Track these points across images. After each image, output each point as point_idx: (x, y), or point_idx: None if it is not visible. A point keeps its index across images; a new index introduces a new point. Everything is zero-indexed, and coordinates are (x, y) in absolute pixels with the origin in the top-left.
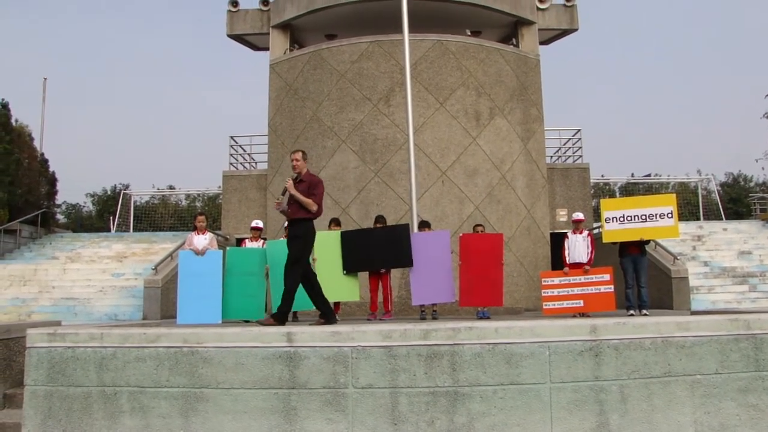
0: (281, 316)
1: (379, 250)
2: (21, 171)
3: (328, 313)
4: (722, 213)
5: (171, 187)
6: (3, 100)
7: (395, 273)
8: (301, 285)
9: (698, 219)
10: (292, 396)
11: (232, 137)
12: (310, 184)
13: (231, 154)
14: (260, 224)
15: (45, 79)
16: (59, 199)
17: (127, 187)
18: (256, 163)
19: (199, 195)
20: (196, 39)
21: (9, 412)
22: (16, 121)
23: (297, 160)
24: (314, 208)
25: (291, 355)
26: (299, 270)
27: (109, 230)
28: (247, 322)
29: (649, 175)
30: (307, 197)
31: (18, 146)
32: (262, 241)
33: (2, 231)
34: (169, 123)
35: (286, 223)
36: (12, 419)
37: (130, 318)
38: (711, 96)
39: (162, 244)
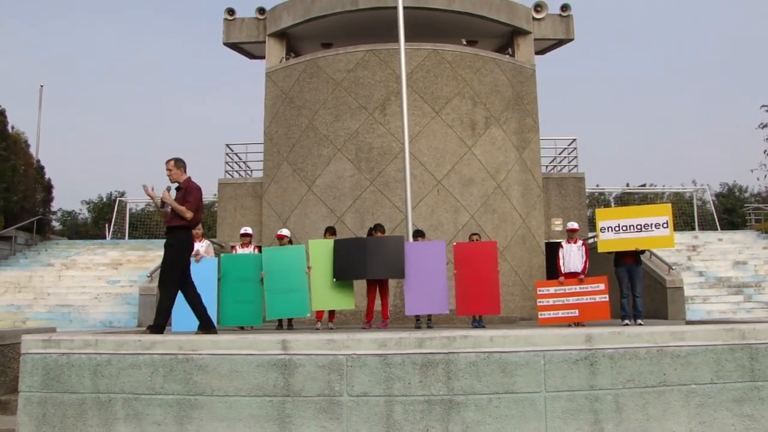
0: (157, 329)
1: (371, 260)
2: (17, 178)
3: (208, 325)
4: (717, 223)
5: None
6: None
7: (391, 282)
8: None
9: (693, 229)
10: (287, 404)
11: (227, 145)
12: (185, 191)
13: (227, 162)
14: (249, 231)
15: (41, 86)
16: (55, 206)
17: (122, 194)
18: (251, 171)
19: None
20: (192, 47)
21: (3, 418)
22: (12, 127)
23: (170, 169)
24: (188, 215)
25: (286, 362)
26: (175, 279)
27: (104, 237)
28: (242, 328)
29: (644, 185)
30: (182, 204)
31: (14, 153)
32: (252, 246)
33: None
34: (165, 130)
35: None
36: (7, 426)
37: (125, 325)
38: (706, 106)
39: (157, 251)
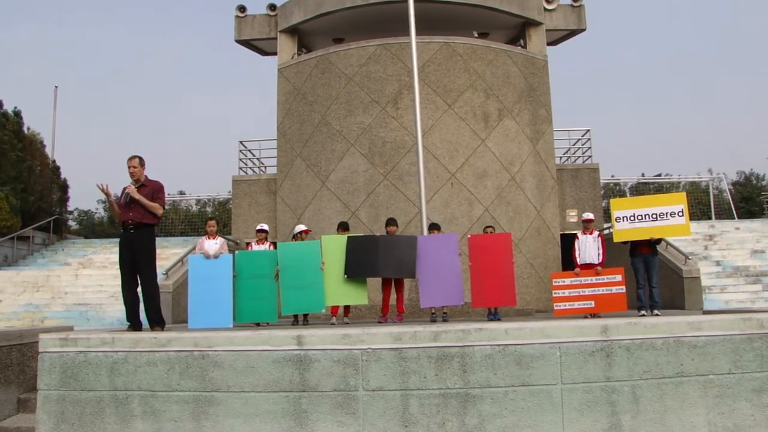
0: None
1: (383, 259)
2: (33, 178)
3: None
4: (734, 212)
5: (181, 193)
6: (15, 108)
7: None
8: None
9: (710, 218)
10: (303, 399)
11: (241, 142)
12: (153, 189)
13: (240, 159)
14: (265, 227)
15: (56, 87)
16: (71, 205)
17: None
18: (265, 167)
19: (209, 200)
20: (205, 45)
21: (23, 416)
22: (28, 128)
23: (134, 167)
24: (161, 212)
25: (301, 358)
26: (155, 275)
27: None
28: (258, 325)
29: (659, 175)
30: (152, 201)
31: (30, 153)
32: (268, 243)
33: (15, 238)
34: (180, 128)
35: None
36: (27, 423)
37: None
38: (723, 94)
39: (173, 249)
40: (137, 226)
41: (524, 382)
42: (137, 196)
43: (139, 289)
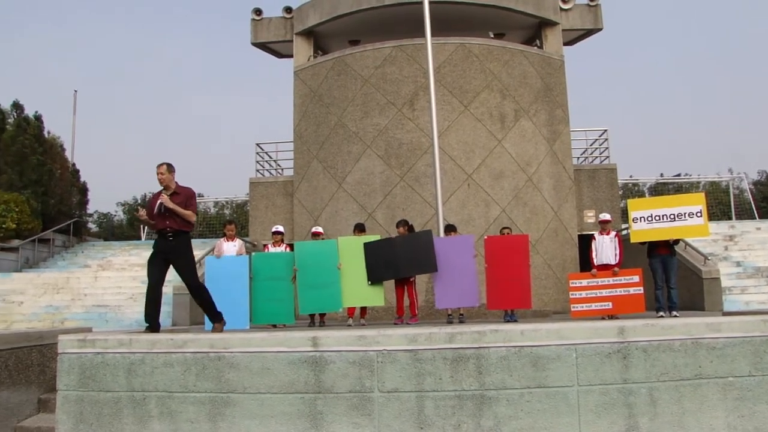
0: (218, 319)
1: (403, 258)
2: (53, 181)
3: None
4: (755, 212)
5: (199, 195)
6: (36, 112)
7: (422, 277)
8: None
9: (730, 218)
10: (318, 400)
11: (258, 144)
12: (185, 197)
13: (257, 161)
14: (281, 229)
15: (75, 91)
16: (91, 208)
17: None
18: (282, 169)
19: (227, 202)
20: (223, 48)
21: (44, 416)
22: (48, 132)
23: (162, 173)
24: (194, 219)
25: (317, 359)
26: (198, 279)
27: (139, 238)
28: (275, 326)
29: (679, 175)
30: (186, 209)
31: (50, 157)
32: (284, 245)
33: (36, 240)
34: (197, 131)
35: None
36: (47, 423)
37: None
38: (743, 92)
39: None
40: (176, 233)
41: (540, 384)
42: (171, 205)
43: (165, 289)
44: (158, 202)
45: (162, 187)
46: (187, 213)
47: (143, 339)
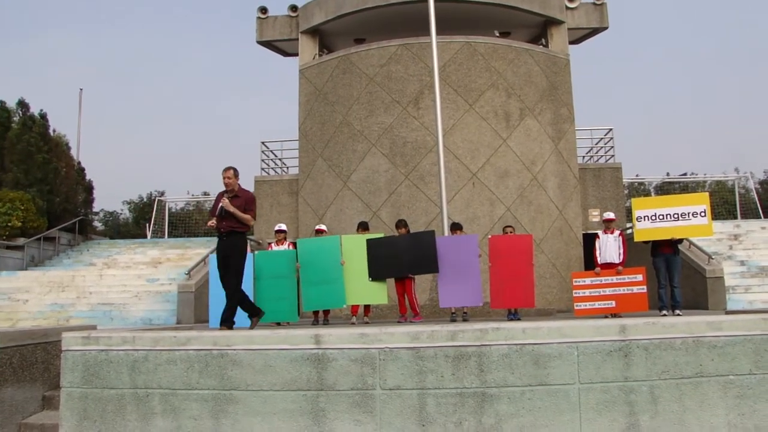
0: (227, 323)
1: (405, 257)
2: (59, 180)
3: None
4: (761, 211)
5: (205, 194)
6: (41, 111)
7: (425, 276)
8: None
9: (735, 218)
10: (321, 398)
11: (263, 143)
12: (246, 201)
13: (262, 160)
14: (284, 227)
15: (81, 89)
16: (96, 206)
17: (162, 194)
18: (287, 167)
19: None
20: (228, 46)
21: (48, 413)
22: (54, 131)
23: (229, 178)
24: (252, 222)
25: (319, 357)
26: (240, 282)
27: (144, 237)
28: (278, 324)
29: (685, 174)
30: (244, 213)
31: (56, 155)
32: (287, 243)
33: (42, 239)
34: (203, 129)
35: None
36: (51, 420)
37: (164, 322)
38: (751, 92)
39: (196, 249)
40: (229, 233)
41: (541, 382)
42: (231, 209)
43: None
44: (219, 205)
45: (227, 191)
46: (246, 217)
47: (146, 336)
